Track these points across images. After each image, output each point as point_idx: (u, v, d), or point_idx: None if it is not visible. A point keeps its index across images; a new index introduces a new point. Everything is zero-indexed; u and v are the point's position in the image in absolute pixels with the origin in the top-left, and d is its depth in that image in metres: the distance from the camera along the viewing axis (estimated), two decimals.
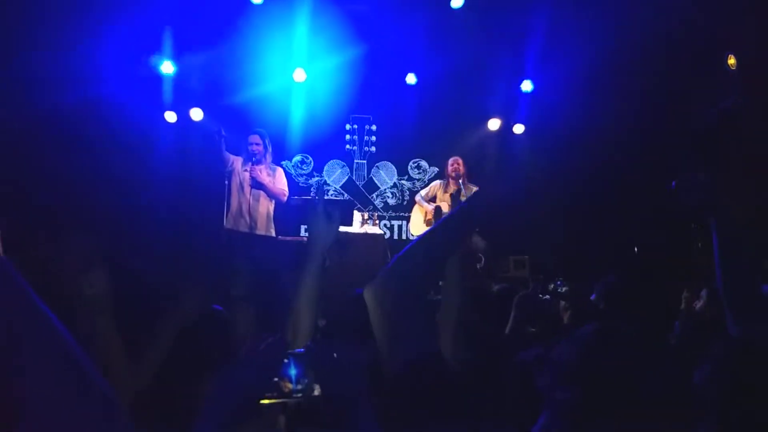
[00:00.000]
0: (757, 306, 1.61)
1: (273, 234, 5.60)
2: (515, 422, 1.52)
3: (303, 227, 7.41)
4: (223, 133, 5.48)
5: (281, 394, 1.14)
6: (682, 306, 3.22)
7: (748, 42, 5.64)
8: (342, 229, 5.80)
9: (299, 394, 1.14)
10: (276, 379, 1.15)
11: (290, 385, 1.14)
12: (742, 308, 1.61)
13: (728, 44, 5.88)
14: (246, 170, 5.52)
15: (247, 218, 5.46)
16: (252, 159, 5.51)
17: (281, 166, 6.08)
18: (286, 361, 1.15)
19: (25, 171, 5.58)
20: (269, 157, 5.67)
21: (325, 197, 7.51)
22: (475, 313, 1.50)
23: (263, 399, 1.15)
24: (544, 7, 6.31)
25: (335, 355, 1.13)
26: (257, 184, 5.49)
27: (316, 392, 1.13)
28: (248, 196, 5.49)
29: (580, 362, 1.20)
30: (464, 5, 6.50)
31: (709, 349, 1.50)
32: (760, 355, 1.38)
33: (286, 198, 5.65)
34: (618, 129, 6.90)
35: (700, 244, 5.18)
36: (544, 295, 3.39)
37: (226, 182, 5.73)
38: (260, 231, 5.48)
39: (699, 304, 3.22)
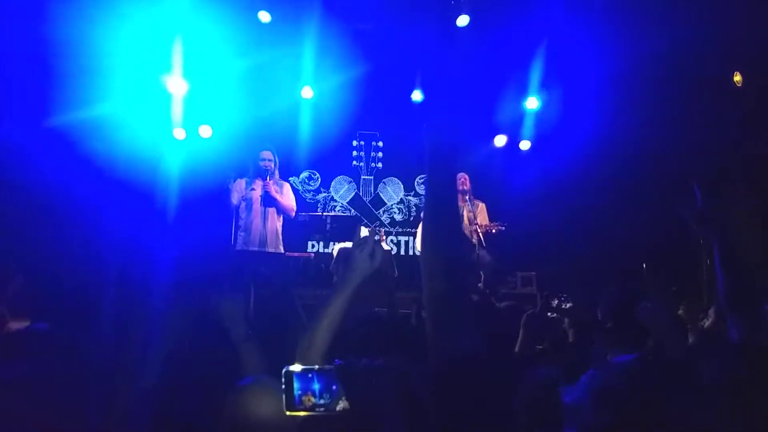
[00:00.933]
0: (755, 311, 1.64)
1: (282, 250, 5.60)
2: None
3: (310, 243, 7.44)
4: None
5: (305, 407, 1.15)
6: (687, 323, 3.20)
7: (756, 58, 5.66)
8: (349, 244, 5.82)
9: (322, 409, 1.15)
10: (300, 393, 1.16)
11: (313, 399, 1.16)
12: (742, 313, 1.64)
13: (735, 60, 5.91)
14: (254, 188, 5.52)
15: (258, 237, 5.42)
16: (264, 175, 5.50)
17: (288, 181, 6.12)
18: (309, 375, 1.16)
19: (31, 185, 5.63)
20: (277, 173, 5.69)
21: (332, 214, 7.54)
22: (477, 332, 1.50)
23: (288, 411, 1.17)
24: (549, 24, 6.36)
25: (366, 369, 1.13)
26: (270, 200, 5.45)
27: (340, 407, 1.14)
28: (258, 213, 5.46)
29: (621, 389, 1.23)
30: (470, 23, 6.56)
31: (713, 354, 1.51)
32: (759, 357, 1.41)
33: (294, 213, 5.65)
34: (623, 145, 6.91)
35: (708, 261, 5.15)
36: (551, 312, 3.39)
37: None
38: (270, 248, 5.45)
39: (708, 322, 3.21)
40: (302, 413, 1.18)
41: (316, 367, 1.18)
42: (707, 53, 5.82)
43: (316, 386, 1.17)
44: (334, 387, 1.16)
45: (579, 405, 1.31)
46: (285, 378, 1.19)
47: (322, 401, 1.17)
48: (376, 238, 6.21)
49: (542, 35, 6.46)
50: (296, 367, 1.21)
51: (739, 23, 5.45)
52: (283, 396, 1.18)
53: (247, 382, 1.54)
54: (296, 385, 1.18)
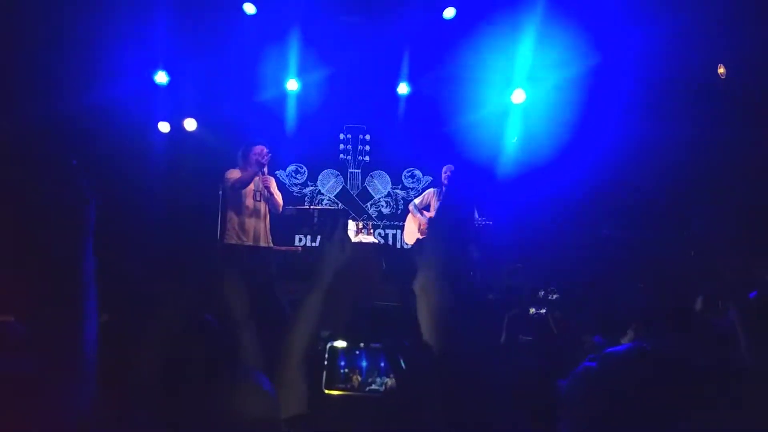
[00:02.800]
0: None
1: (271, 244, 5.57)
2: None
3: (297, 237, 7.41)
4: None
5: (350, 386, 1.13)
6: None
7: (740, 52, 5.71)
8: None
9: (368, 387, 1.13)
10: (346, 370, 1.13)
11: (359, 378, 1.13)
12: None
13: (720, 53, 5.95)
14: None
15: (252, 232, 5.38)
16: (263, 171, 5.43)
17: (274, 175, 6.08)
18: (357, 353, 1.14)
19: (15, 179, 5.53)
20: (266, 168, 5.65)
21: (320, 207, 7.51)
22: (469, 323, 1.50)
23: (327, 390, 1.14)
24: (534, 18, 6.36)
25: (412, 348, 1.11)
26: (269, 196, 5.45)
27: (388, 385, 1.12)
28: (251, 209, 5.41)
29: (616, 379, 1.23)
30: (455, 16, 6.55)
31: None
32: None
33: (281, 208, 5.61)
34: (610, 137, 6.95)
35: (694, 252, 5.21)
36: (537, 306, 3.41)
37: (220, 194, 5.69)
38: (262, 243, 5.42)
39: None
40: (339, 392, 1.15)
41: (362, 344, 1.15)
42: (693, 45, 5.86)
43: (364, 364, 1.14)
44: (381, 365, 1.14)
45: (574, 396, 1.31)
46: (329, 354, 1.15)
47: (369, 380, 1.14)
48: (363, 230, 6.20)
49: (529, 27, 6.46)
50: (341, 344, 1.17)
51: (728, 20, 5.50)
52: (324, 373, 1.15)
53: (236, 376, 1.53)
54: (342, 362, 1.15)
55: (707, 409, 1.18)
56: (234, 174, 5.36)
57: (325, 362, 1.15)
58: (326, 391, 1.15)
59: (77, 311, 1.13)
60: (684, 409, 1.15)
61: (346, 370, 1.14)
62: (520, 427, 1.44)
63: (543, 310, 3.42)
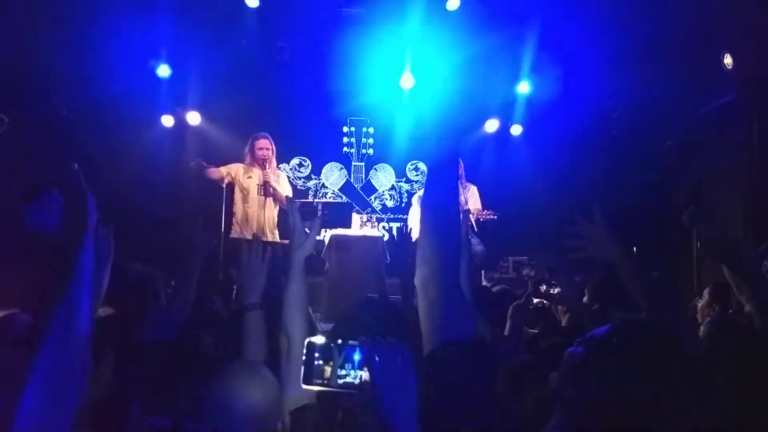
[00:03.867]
0: None
1: (277, 239, 5.57)
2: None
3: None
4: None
5: (324, 380, 1.13)
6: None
7: (745, 41, 5.65)
8: (341, 231, 5.79)
9: (341, 381, 1.13)
10: (320, 362, 1.14)
11: (332, 371, 1.13)
12: None
13: (725, 43, 5.90)
14: (250, 176, 5.44)
15: (254, 225, 5.38)
16: (264, 164, 5.42)
17: (279, 168, 6.07)
18: (332, 347, 1.14)
19: (18, 173, 5.54)
20: (274, 161, 5.62)
21: (324, 200, 7.50)
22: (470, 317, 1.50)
23: (305, 385, 1.14)
24: (540, 9, 6.31)
25: (391, 345, 1.11)
26: (269, 190, 5.42)
27: (362, 379, 1.12)
28: (255, 202, 5.41)
29: (590, 361, 1.21)
30: (460, 7, 6.49)
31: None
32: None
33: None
34: (614, 129, 6.92)
35: (698, 244, 5.18)
36: (540, 298, 3.42)
37: (224, 188, 5.69)
38: (267, 237, 5.41)
39: (701, 303, 3.23)
40: (318, 388, 1.16)
41: (340, 341, 1.16)
42: (699, 35, 5.81)
43: (339, 359, 1.15)
44: (357, 361, 1.14)
45: (562, 384, 1.30)
46: (306, 349, 1.16)
47: (342, 372, 1.14)
48: (368, 223, 6.17)
49: (534, 18, 6.41)
50: (318, 339, 1.18)
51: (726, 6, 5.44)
52: (302, 368, 1.16)
53: (234, 365, 1.53)
54: (317, 356, 1.15)
55: (690, 391, 1.16)
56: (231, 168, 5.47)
57: (303, 357, 1.15)
58: (304, 386, 1.15)
59: (74, 307, 1.14)
60: (668, 392, 1.13)
61: (320, 362, 1.14)
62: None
63: (546, 303, 3.43)
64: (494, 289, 3.96)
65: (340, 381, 1.13)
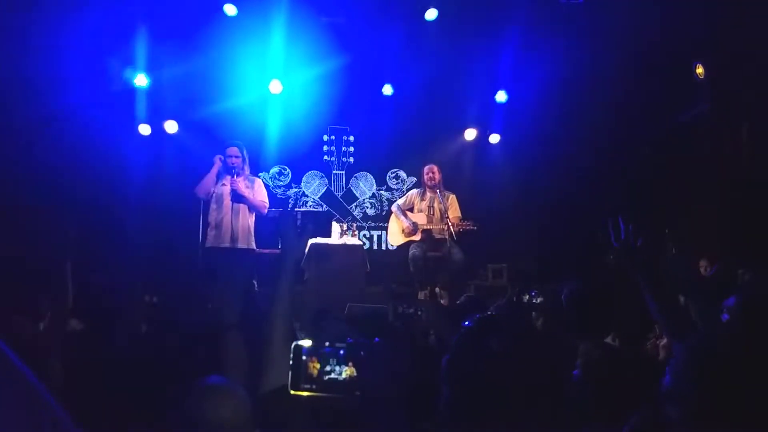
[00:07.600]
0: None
1: (254, 247, 5.54)
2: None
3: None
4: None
5: (312, 378, 1.12)
6: None
7: (717, 51, 5.79)
8: (321, 240, 5.77)
9: (327, 377, 1.12)
10: (304, 358, 1.12)
11: (318, 366, 1.12)
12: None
13: (697, 54, 6.04)
14: (224, 184, 5.44)
15: (229, 233, 5.36)
16: (231, 172, 5.44)
17: (259, 177, 6.04)
18: (319, 350, 1.13)
19: None
20: (247, 169, 5.61)
21: (303, 209, 7.47)
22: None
23: (293, 390, 1.13)
24: (517, 19, 6.39)
25: (377, 348, 1.11)
26: (238, 197, 5.39)
27: (347, 374, 1.12)
28: (228, 210, 5.39)
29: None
30: (438, 17, 6.55)
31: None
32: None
33: (266, 210, 5.59)
34: (591, 137, 7.01)
35: (674, 250, 5.26)
36: (523, 308, 3.42)
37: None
38: (242, 245, 5.39)
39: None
40: (306, 393, 1.15)
41: (327, 343, 1.15)
42: (672, 46, 5.94)
43: (326, 358, 1.14)
44: (343, 360, 1.14)
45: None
46: (293, 352, 1.15)
47: (328, 368, 1.13)
48: (348, 232, 6.16)
49: (511, 28, 6.49)
50: (306, 342, 1.17)
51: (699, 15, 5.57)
52: (290, 372, 1.14)
53: (206, 383, 1.51)
54: (304, 358, 1.14)
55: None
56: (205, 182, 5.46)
57: (290, 362, 1.14)
58: (292, 392, 1.14)
59: (49, 315, 1.11)
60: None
61: (307, 365, 1.13)
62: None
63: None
64: (458, 301, 3.97)
65: (326, 378, 1.13)
